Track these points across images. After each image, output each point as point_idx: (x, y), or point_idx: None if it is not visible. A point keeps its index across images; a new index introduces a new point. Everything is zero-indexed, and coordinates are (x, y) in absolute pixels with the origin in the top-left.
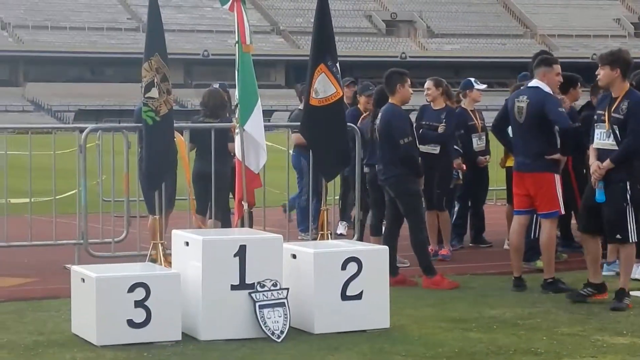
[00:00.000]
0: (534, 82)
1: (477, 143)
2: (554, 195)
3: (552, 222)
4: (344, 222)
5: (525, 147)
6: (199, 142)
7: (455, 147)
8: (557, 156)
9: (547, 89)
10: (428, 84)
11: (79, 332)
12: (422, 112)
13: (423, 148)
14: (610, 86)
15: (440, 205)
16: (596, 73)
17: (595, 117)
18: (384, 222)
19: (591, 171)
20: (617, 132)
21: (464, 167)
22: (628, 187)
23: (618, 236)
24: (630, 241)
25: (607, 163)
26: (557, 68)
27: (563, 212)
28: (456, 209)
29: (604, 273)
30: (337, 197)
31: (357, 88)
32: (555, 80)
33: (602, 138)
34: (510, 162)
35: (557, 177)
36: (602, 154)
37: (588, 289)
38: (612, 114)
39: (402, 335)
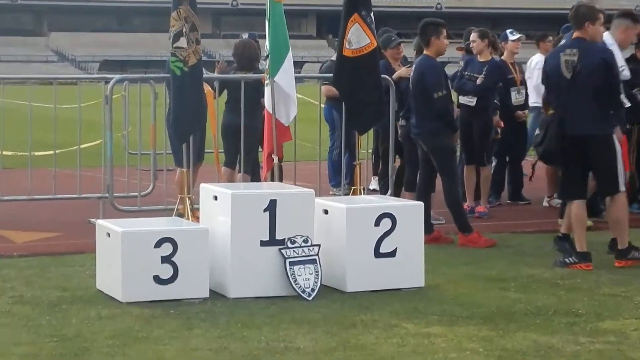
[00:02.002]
0: (605, 36)
1: (516, 97)
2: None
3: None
4: (377, 177)
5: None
6: (230, 94)
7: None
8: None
9: (613, 44)
10: (473, 36)
11: (104, 288)
12: (467, 63)
13: (462, 99)
14: None
15: (482, 160)
16: None
17: None
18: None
19: None
20: None
21: (502, 123)
22: None
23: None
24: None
25: None
26: None
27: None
28: (494, 164)
29: None
30: (370, 151)
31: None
32: (632, 38)
33: None
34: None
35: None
36: None
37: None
38: None
39: (437, 294)
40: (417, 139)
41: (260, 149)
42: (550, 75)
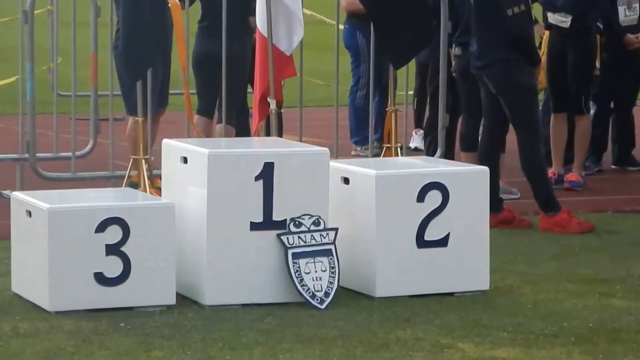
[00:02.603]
0: None
1: (626, 14)
2: None
3: None
4: (421, 131)
5: None
6: (205, 9)
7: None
8: None
9: None
10: None
11: (23, 292)
12: None
13: (551, 18)
14: None
15: (579, 106)
16: None
17: None
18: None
19: None
20: None
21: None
22: None
23: None
24: None
25: None
26: None
27: None
28: (591, 113)
29: None
30: (411, 93)
31: None
32: None
33: None
34: None
35: None
36: None
37: None
38: None
39: (509, 302)
40: (481, 75)
41: (249, 90)
42: None
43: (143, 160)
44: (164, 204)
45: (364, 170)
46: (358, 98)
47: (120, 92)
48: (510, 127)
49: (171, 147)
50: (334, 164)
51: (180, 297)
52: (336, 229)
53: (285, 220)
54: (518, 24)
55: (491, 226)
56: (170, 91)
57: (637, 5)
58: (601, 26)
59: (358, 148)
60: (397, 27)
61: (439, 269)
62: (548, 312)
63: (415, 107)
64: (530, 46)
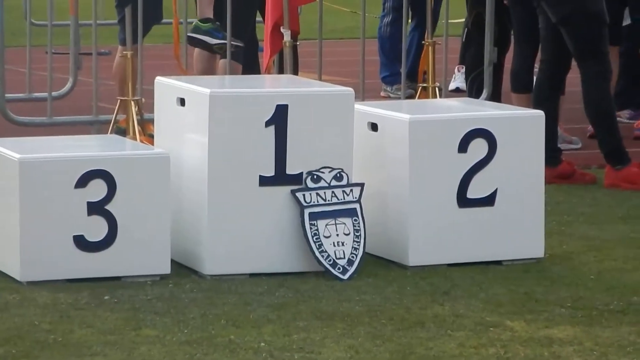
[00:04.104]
0: None
1: None
2: None
3: None
4: (464, 68)
5: None
6: None
7: None
8: None
9: None
10: None
11: None
12: None
13: None
14: None
15: None
16: None
17: None
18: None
19: None
20: None
21: None
22: None
23: None
24: None
25: None
26: None
27: None
28: None
29: None
30: (454, 23)
31: None
32: None
33: None
34: None
35: None
36: None
37: None
38: None
39: (567, 271)
40: (539, 1)
41: (259, 18)
42: None
43: (132, 102)
44: (157, 154)
45: (395, 114)
46: (383, 26)
47: (104, 22)
48: (573, 63)
49: (166, 87)
50: (360, 106)
51: (176, 265)
52: (362, 185)
53: (302, 173)
54: None
55: (547, 181)
56: (164, 20)
57: None
58: None
59: (388, 88)
60: None
61: (484, 232)
62: (614, 283)
63: (463, 40)
64: None
